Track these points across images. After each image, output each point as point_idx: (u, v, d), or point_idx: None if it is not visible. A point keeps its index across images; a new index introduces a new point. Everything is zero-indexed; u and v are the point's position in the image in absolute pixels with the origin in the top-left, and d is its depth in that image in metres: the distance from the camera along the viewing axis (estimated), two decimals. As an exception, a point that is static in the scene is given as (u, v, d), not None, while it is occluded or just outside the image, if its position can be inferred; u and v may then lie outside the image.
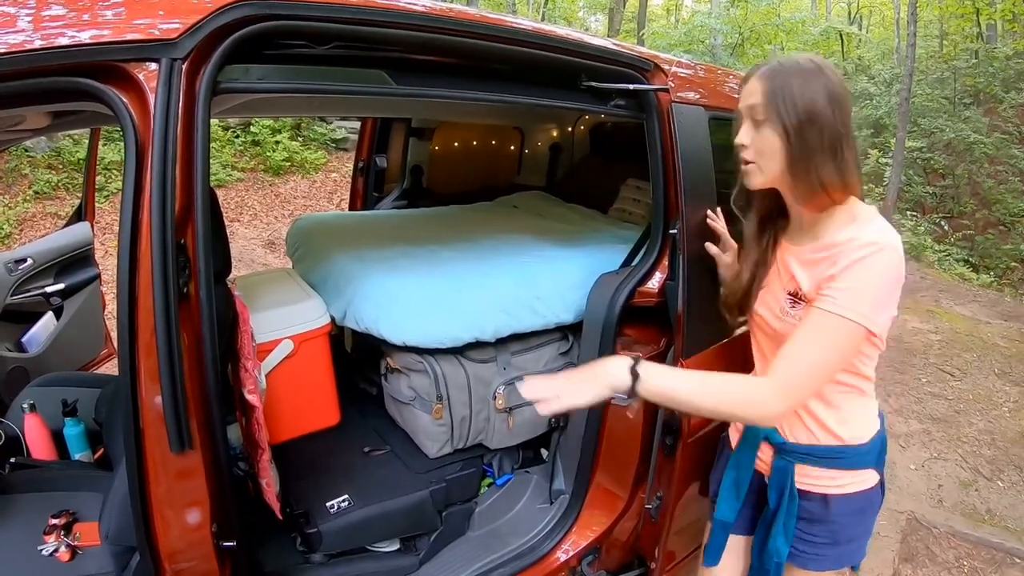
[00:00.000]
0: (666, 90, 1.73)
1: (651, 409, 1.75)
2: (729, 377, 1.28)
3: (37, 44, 0.96)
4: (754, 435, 1.51)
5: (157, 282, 1.01)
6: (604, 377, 1.24)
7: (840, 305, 1.20)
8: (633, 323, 1.85)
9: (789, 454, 1.44)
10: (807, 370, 1.23)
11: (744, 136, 1.32)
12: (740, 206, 1.50)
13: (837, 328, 1.21)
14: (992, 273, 10.56)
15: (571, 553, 1.82)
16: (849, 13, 23.12)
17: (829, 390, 1.37)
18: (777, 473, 1.46)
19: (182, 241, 1.07)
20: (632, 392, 1.23)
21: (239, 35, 1.08)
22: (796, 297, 1.33)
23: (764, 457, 1.52)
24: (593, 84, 1.64)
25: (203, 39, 1.05)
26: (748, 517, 1.60)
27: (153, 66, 1.02)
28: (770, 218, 1.47)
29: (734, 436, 1.60)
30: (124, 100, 1.01)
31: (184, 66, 1.04)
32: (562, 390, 1.23)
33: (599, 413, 1.83)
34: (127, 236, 1.02)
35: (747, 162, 1.33)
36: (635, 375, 1.23)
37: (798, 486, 1.44)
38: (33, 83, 0.98)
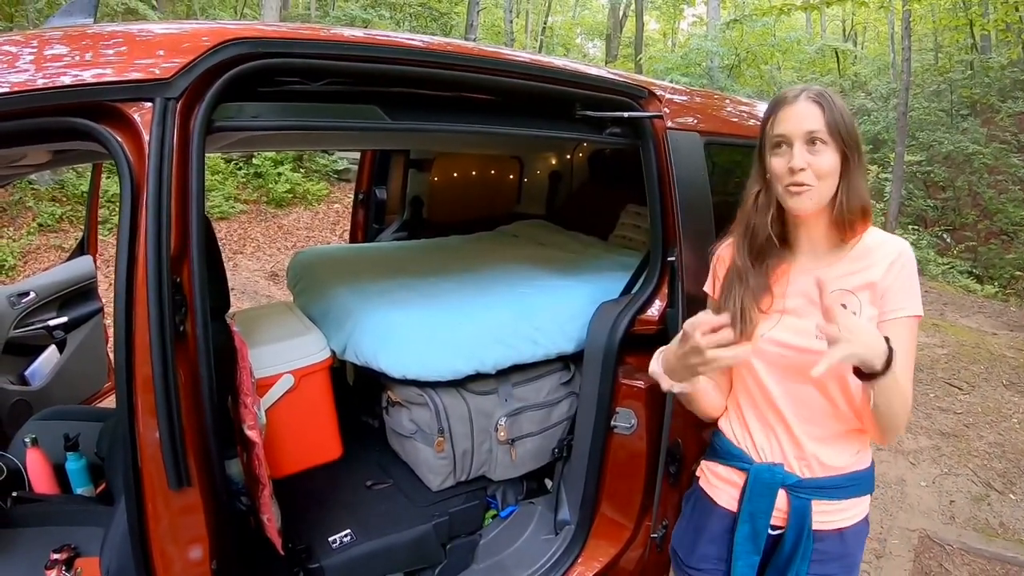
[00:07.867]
0: (660, 117, 1.74)
1: (655, 437, 1.74)
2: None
3: (34, 84, 0.97)
4: (769, 481, 1.39)
5: (153, 320, 1.02)
6: (879, 343, 1.13)
7: (912, 306, 1.27)
8: (634, 351, 1.83)
9: (805, 490, 1.37)
10: (907, 379, 1.25)
11: (800, 159, 1.24)
12: (778, 233, 1.38)
13: (912, 327, 1.28)
14: (996, 283, 10.50)
15: (577, 584, 1.79)
16: (844, 31, 23.31)
17: (839, 415, 1.33)
18: (795, 516, 1.37)
19: (178, 279, 1.07)
20: (887, 365, 1.13)
21: (232, 73, 1.09)
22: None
23: (778, 504, 1.41)
24: (588, 113, 1.65)
25: (197, 78, 1.07)
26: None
27: (148, 105, 1.04)
28: (769, 244, 1.38)
29: (721, 491, 1.49)
30: (119, 139, 1.03)
31: (178, 105, 1.05)
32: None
33: (603, 442, 1.81)
34: (123, 274, 1.03)
35: (800, 186, 1.25)
36: (891, 351, 1.14)
37: (813, 527, 1.37)
38: (29, 123, 0.99)
